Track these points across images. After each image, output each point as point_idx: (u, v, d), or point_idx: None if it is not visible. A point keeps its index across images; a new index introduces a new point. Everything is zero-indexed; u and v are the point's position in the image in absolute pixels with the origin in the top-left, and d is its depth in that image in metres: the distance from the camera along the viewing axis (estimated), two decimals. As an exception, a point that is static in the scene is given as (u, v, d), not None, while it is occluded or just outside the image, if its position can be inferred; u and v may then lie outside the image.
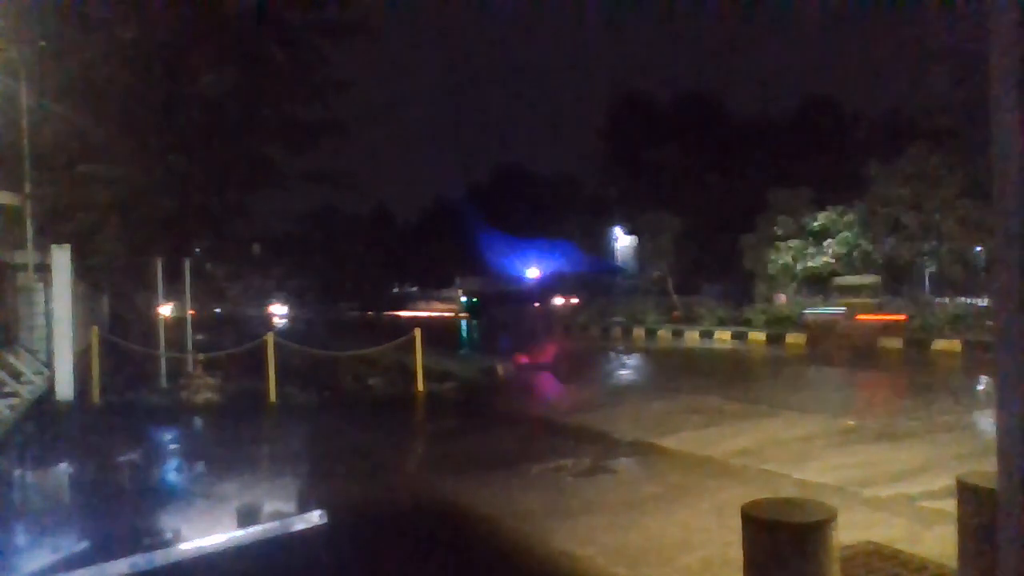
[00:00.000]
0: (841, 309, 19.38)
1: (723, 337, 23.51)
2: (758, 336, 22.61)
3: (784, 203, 26.36)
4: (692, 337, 24.28)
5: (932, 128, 24.83)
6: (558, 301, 38.85)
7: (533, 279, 43.41)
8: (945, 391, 11.41)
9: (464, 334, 31.92)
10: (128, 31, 14.95)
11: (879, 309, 19.17)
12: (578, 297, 38.94)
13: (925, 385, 12.50)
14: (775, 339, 21.80)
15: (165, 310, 14.96)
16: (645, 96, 42.66)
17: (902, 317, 18.72)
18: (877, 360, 16.58)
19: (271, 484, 6.75)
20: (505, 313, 38.78)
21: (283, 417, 10.81)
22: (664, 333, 25.83)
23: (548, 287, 41.42)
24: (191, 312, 14.86)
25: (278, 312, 58.02)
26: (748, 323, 24.66)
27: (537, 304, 39.11)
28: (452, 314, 46.91)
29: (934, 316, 20.32)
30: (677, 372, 16.52)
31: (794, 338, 21.45)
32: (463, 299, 45.42)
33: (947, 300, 22.67)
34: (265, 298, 59.63)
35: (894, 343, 18.31)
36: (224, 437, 9.54)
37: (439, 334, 25.61)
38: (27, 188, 13.57)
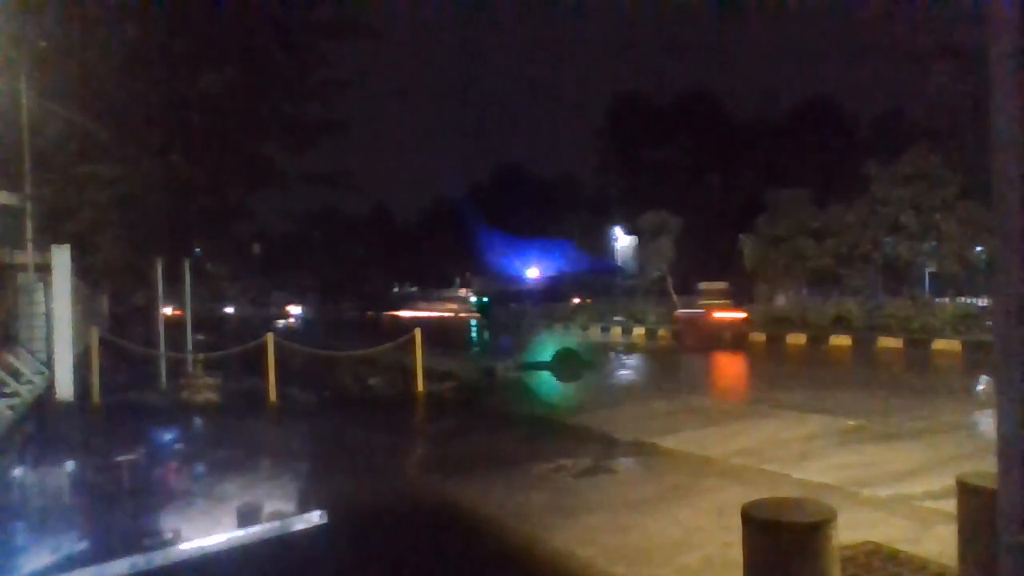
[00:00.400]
0: (701, 309, 23.57)
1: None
2: (758, 336, 22.65)
3: (784, 203, 26.37)
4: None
5: (932, 128, 24.82)
6: (575, 300, 38.90)
7: (541, 279, 43.35)
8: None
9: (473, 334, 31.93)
10: (128, 31, 14.95)
11: (727, 308, 23.63)
12: (580, 297, 38.97)
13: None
14: (775, 338, 21.83)
15: (167, 310, 14.98)
16: (645, 96, 42.64)
17: (743, 315, 22.90)
18: (724, 346, 20.87)
19: (271, 484, 6.75)
20: (515, 313, 38.74)
21: (283, 417, 10.81)
22: (664, 333, 25.82)
23: (557, 287, 41.43)
24: (177, 312, 14.82)
25: (294, 312, 58.04)
26: (747, 323, 24.67)
27: (549, 304, 39.13)
28: (452, 314, 46.86)
29: (934, 316, 20.34)
30: (676, 372, 16.53)
31: (794, 338, 21.46)
32: (473, 299, 45.29)
33: (947, 300, 22.68)
34: (282, 298, 59.89)
35: (728, 334, 22.24)
36: (224, 437, 9.53)
37: (452, 336, 25.63)
38: (27, 188, 13.57)
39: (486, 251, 48.25)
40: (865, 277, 24.81)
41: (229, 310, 44.87)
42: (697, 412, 9.99)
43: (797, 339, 21.39)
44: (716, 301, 23.33)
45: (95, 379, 11.46)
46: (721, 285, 24.32)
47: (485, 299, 42.60)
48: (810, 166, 33.63)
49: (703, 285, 24.92)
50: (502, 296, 42.57)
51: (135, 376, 13.48)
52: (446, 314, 47.11)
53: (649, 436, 8.24)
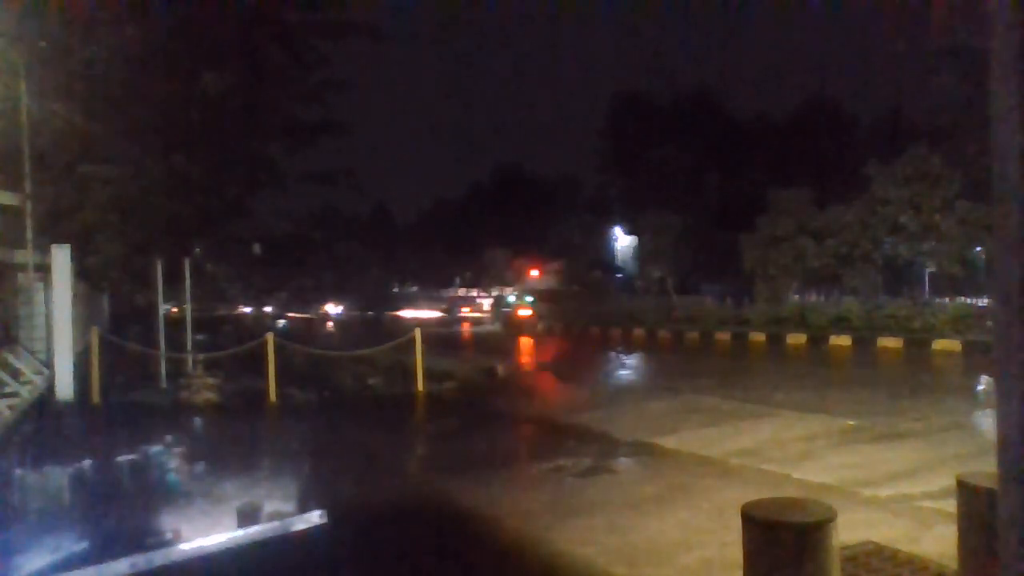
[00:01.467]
0: (509, 308, 36.16)
1: (724, 336, 23.54)
2: (757, 336, 22.66)
3: (784, 203, 26.37)
4: (692, 337, 24.31)
5: (932, 128, 24.81)
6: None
7: (543, 279, 43.03)
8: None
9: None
10: (128, 31, 14.94)
11: (524, 307, 35.69)
12: (578, 297, 38.89)
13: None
14: (775, 338, 21.85)
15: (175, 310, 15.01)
16: (645, 95, 42.62)
17: (531, 312, 34.24)
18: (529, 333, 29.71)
19: (271, 484, 6.75)
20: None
21: (283, 417, 10.81)
22: (664, 333, 25.82)
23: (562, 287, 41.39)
24: (174, 311, 14.77)
25: (332, 312, 57.29)
26: (747, 323, 24.75)
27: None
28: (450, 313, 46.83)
29: (934, 316, 20.35)
30: (676, 372, 16.53)
31: (794, 338, 21.48)
32: (511, 298, 43.91)
33: (947, 300, 22.68)
34: (320, 298, 59.72)
35: (523, 323, 33.47)
36: (224, 437, 9.54)
37: (452, 336, 25.72)
38: (27, 188, 13.56)
39: (486, 251, 48.26)
40: (865, 277, 24.80)
41: (268, 308, 47.62)
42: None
43: (797, 339, 21.39)
44: (518, 303, 35.53)
45: (95, 379, 11.46)
46: (518, 291, 37.14)
47: (530, 298, 41.41)
48: (810, 166, 33.65)
49: (513, 292, 37.29)
50: (549, 296, 41.25)
51: (135, 376, 13.49)
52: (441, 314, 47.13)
53: (648, 436, 8.24)
